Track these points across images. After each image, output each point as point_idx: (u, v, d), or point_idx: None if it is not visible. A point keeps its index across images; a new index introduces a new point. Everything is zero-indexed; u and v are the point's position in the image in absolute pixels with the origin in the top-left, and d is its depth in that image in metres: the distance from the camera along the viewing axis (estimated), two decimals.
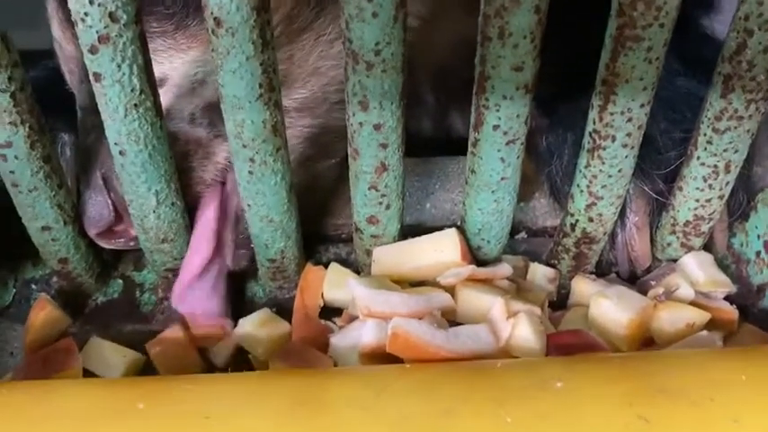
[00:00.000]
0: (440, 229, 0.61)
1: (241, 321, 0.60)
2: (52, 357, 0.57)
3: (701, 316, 0.57)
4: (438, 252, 0.59)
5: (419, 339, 0.51)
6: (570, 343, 0.55)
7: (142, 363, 0.59)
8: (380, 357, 0.53)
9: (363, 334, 0.54)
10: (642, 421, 0.44)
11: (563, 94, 0.66)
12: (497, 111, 0.50)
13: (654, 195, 0.60)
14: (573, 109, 0.64)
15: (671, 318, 0.57)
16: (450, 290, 0.59)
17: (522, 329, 0.54)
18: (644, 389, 0.47)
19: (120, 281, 0.65)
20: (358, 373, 0.51)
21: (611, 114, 0.51)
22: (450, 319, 0.58)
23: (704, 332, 0.56)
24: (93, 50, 0.47)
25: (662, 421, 0.45)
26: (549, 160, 0.65)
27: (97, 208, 0.58)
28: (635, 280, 0.64)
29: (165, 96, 0.57)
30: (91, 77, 0.48)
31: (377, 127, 0.51)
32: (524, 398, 0.46)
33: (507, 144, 0.52)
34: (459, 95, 0.70)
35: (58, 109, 0.62)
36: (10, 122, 0.51)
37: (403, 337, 0.52)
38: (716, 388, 0.47)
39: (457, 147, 0.67)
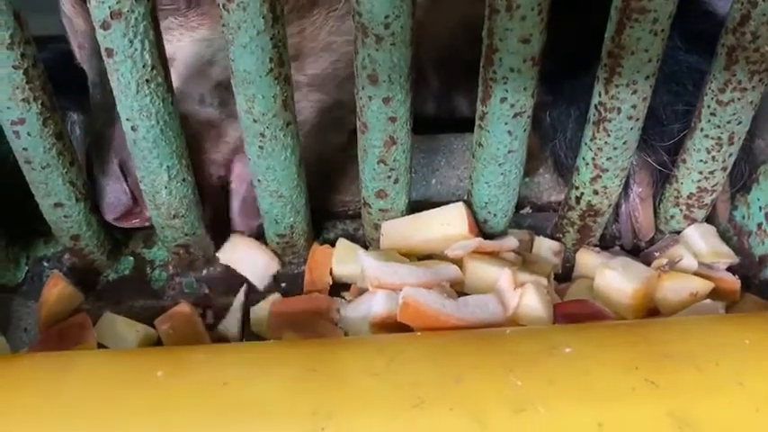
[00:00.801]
0: (446, 204, 0.62)
1: (253, 309, 0.61)
2: (67, 332, 0.58)
3: (704, 285, 0.58)
4: (445, 225, 0.60)
5: (429, 308, 0.52)
6: (576, 312, 0.56)
7: (155, 337, 0.60)
8: (391, 327, 0.54)
9: (374, 304, 0.55)
10: (649, 384, 0.45)
11: (565, 71, 0.67)
12: (505, 83, 0.51)
13: (657, 167, 0.61)
14: (576, 84, 0.64)
15: (675, 287, 0.58)
16: (458, 262, 0.59)
17: (530, 299, 0.55)
18: (651, 354, 0.48)
19: (131, 258, 0.66)
20: (370, 342, 0.52)
21: (617, 87, 0.52)
22: (458, 290, 0.59)
23: (707, 301, 0.57)
24: (105, 26, 0.47)
25: (669, 385, 0.46)
26: (553, 135, 0.66)
27: (115, 194, 0.59)
28: (638, 252, 0.65)
29: (174, 78, 0.57)
30: (103, 53, 0.49)
31: (386, 100, 0.51)
32: (534, 363, 0.47)
33: (514, 117, 0.53)
34: (463, 77, 0.70)
35: (66, 89, 0.63)
36: (23, 99, 0.52)
37: (413, 305, 0.52)
38: (720, 352, 0.48)
39: (461, 129, 0.68)
